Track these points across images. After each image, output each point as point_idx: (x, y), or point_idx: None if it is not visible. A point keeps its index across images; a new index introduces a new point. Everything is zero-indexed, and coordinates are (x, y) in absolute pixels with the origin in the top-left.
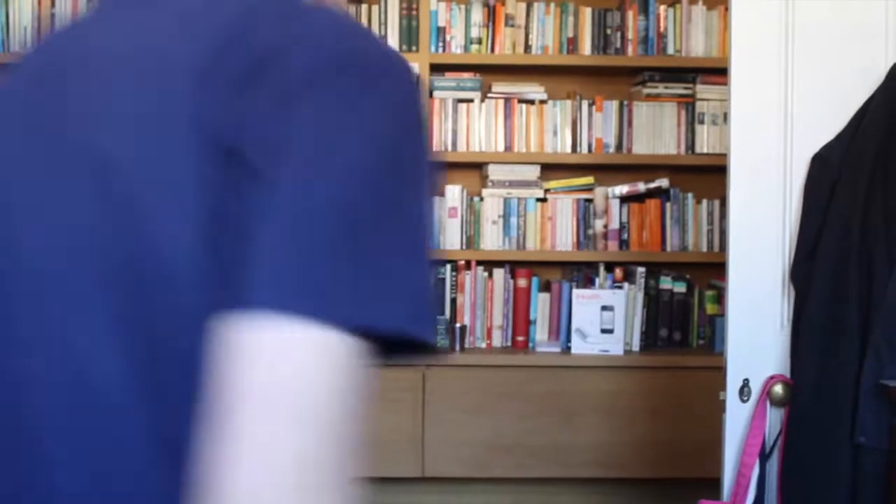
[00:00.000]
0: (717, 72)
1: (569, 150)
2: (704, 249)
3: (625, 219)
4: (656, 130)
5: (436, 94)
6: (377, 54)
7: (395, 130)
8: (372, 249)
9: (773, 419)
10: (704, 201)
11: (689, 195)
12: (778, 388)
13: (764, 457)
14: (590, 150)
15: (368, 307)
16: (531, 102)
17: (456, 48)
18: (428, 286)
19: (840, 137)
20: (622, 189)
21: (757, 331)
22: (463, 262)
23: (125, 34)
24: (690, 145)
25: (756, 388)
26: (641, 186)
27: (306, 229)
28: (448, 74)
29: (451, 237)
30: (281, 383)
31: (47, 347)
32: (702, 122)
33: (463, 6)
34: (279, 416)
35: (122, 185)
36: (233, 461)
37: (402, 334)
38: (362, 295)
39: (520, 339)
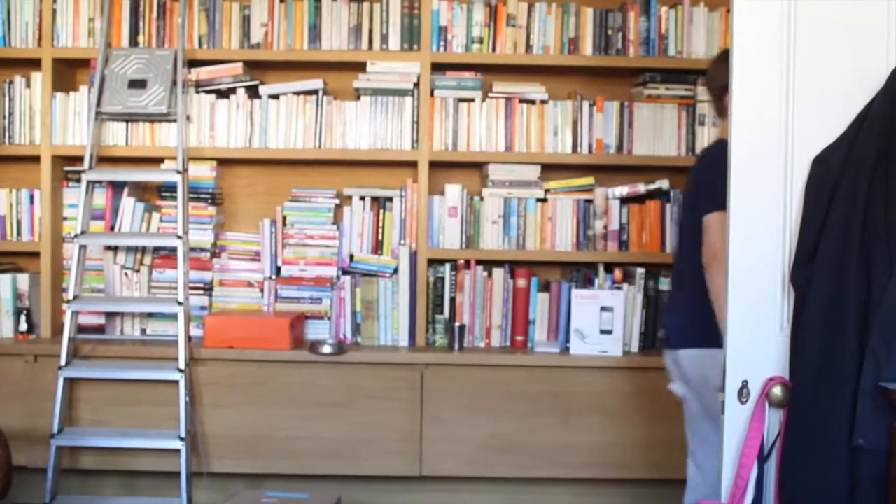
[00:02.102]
0: None
1: (569, 150)
2: None
3: (625, 220)
4: (657, 131)
5: (437, 93)
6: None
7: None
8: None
9: (772, 421)
10: None
11: None
12: (777, 390)
13: (762, 458)
14: (590, 151)
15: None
16: (532, 102)
17: (457, 47)
18: None
19: (841, 140)
20: (622, 190)
21: (756, 332)
22: (462, 262)
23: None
24: (691, 146)
25: (755, 389)
26: (641, 187)
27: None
28: (449, 74)
29: (450, 236)
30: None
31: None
32: (702, 124)
33: (464, 5)
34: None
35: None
36: (709, 241)
37: None
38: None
39: (519, 338)
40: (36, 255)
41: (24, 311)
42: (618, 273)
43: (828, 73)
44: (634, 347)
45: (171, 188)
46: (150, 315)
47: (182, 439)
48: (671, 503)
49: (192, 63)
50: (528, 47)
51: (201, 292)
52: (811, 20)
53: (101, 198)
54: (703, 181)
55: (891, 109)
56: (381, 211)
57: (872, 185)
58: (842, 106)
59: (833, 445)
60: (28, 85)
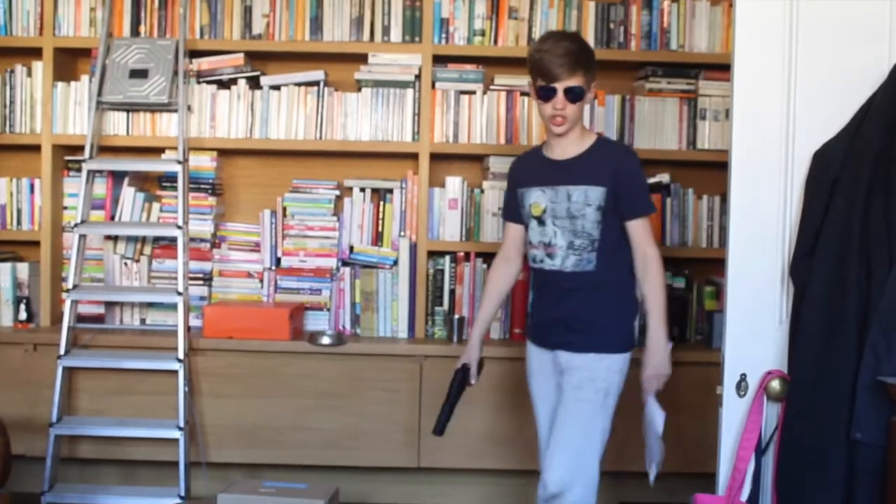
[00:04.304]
0: (720, 67)
1: None
2: (704, 245)
3: None
4: (658, 125)
5: (438, 85)
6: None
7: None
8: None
9: (770, 414)
10: (705, 197)
11: (690, 191)
12: (775, 384)
13: (760, 451)
14: None
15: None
16: None
17: (459, 40)
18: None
19: (842, 135)
20: None
21: (755, 326)
22: (462, 254)
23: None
24: (692, 141)
25: (753, 383)
26: None
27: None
28: (450, 66)
29: (450, 228)
30: (644, 227)
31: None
32: (704, 118)
33: None
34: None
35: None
36: (642, 241)
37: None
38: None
39: (517, 331)
40: (36, 244)
41: (24, 300)
42: None
43: (829, 68)
44: None
45: (172, 178)
46: (150, 305)
47: (181, 429)
48: (670, 496)
49: (194, 53)
50: (530, 40)
51: (201, 282)
52: (813, 15)
53: (101, 187)
54: None
55: (892, 104)
56: (382, 202)
57: (873, 179)
58: (843, 100)
59: (831, 439)
60: (29, 74)
